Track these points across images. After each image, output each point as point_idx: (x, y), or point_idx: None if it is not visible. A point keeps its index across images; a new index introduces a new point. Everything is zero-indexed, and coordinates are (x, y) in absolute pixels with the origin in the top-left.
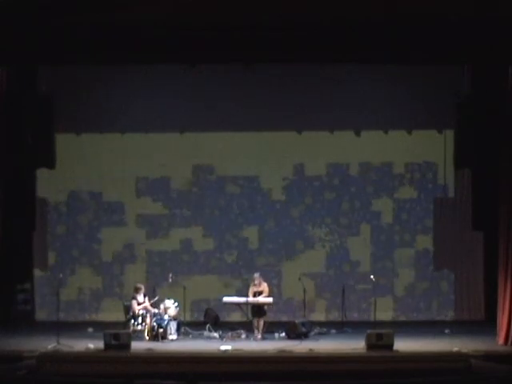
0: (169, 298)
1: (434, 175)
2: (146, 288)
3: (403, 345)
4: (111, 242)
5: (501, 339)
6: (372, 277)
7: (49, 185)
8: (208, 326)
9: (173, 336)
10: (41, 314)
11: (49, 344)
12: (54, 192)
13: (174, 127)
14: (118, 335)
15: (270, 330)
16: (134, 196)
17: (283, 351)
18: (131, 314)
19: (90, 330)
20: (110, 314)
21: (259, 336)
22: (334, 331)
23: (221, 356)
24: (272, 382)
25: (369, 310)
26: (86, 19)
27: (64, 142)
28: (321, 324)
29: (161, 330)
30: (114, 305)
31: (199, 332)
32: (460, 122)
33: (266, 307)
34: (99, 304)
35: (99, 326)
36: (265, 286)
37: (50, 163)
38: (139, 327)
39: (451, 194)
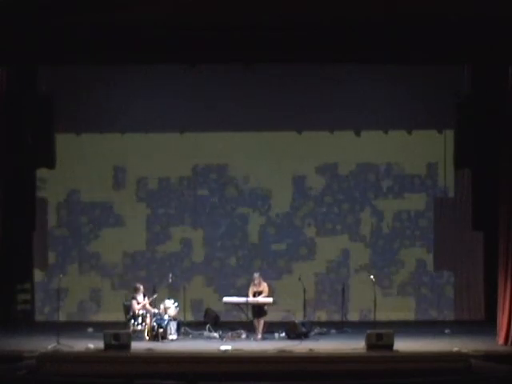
0: (169, 298)
1: (434, 175)
2: (145, 288)
3: (403, 345)
4: (111, 241)
5: (501, 339)
6: (372, 277)
7: (49, 185)
8: (208, 326)
9: (173, 336)
10: (41, 314)
11: (49, 344)
12: (53, 192)
13: (173, 127)
14: (118, 335)
15: (270, 330)
16: (134, 196)
17: (283, 351)
18: (131, 314)
19: (90, 330)
20: (110, 314)
21: (259, 336)
22: (333, 331)
23: (221, 356)
24: (272, 382)
25: (369, 310)
26: (86, 19)
27: (64, 142)
28: (321, 324)
29: (161, 330)
30: (114, 305)
31: (199, 332)
32: (460, 122)
33: (266, 307)
34: (99, 304)
35: (99, 326)
36: (264, 286)
37: (50, 163)
38: (139, 327)
39: (451, 193)
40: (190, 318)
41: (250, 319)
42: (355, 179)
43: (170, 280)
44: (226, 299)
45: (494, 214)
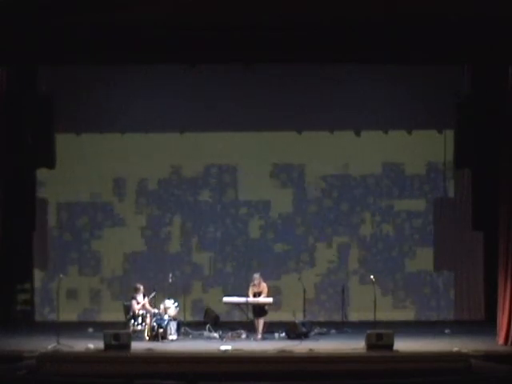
0: (169, 298)
1: (434, 175)
2: (145, 288)
3: (403, 345)
4: (111, 242)
5: (501, 339)
6: (372, 277)
7: (49, 185)
8: (208, 326)
9: (173, 336)
10: (41, 314)
11: (49, 344)
12: (53, 192)
13: (173, 127)
14: (118, 335)
15: (270, 329)
16: (134, 196)
17: (283, 351)
18: (131, 314)
19: (90, 330)
20: (110, 314)
21: (259, 336)
22: (333, 331)
23: (221, 356)
24: (272, 382)
25: (369, 310)
26: (86, 19)
27: (64, 142)
28: (321, 324)
29: (161, 330)
30: (114, 305)
31: (199, 332)
32: (460, 122)
33: (266, 307)
34: (99, 304)
35: (99, 326)
36: (264, 287)
37: (50, 163)
38: (139, 327)
39: (451, 193)
40: (189, 318)
41: (250, 319)
42: (355, 179)
43: (170, 280)
44: (226, 299)
45: (494, 214)
